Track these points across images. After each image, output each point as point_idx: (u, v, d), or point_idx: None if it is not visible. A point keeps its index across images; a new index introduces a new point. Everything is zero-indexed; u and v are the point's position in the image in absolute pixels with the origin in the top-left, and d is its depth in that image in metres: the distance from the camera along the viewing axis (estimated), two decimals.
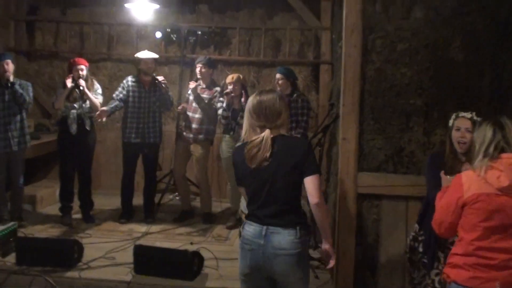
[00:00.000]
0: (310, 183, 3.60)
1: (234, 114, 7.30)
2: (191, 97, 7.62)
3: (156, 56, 7.64)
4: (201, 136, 7.63)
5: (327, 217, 3.77)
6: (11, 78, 6.93)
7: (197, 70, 7.55)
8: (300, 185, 3.68)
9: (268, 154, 3.58)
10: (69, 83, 7.13)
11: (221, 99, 7.44)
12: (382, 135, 5.44)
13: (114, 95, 7.61)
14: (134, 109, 7.49)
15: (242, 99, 7.25)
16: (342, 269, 5.48)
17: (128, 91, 7.49)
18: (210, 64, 7.65)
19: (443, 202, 3.53)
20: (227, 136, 7.45)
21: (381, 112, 5.43)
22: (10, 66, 6.93)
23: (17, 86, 6.92)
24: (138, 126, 7.48)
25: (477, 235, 3.34)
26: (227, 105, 7.24)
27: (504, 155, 3.34)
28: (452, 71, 5.34)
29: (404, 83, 5.39)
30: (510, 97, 5.31)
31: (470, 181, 3.38)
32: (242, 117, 7.07)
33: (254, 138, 3.65)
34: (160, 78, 7.49)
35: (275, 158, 3.59)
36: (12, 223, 6.44)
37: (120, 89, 7.58)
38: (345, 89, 5.30)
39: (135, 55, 7.63)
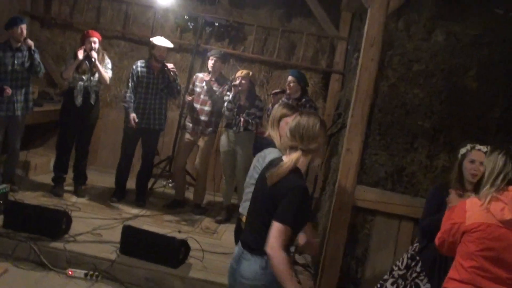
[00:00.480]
0: (272, 229, 3.21)
1: (240, 110, 7.28)
2: (198, 89, 7.60)
3: (170, 45, 7.58)
4: (210, 129, 7.65)
5: (280, 270, 3.17)
6: (33, 46, 6.96)
7: (210, 62, 7.52)
8: None
9: (282, 176, 3.31)
10: (80, 54, 7.11)
11: (227, 93, 7.44)
12: (386, 152, 5.45)
13: (127, 92, 7.50)
14: (141, 94, 7.45)
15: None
16: (326, 278, 5.45)
17: (137, 77, 7.46)
18: (223, 59, 7.66)
19: (447, 224, 3.53)
20: (230, 130, 7.43)
21: (388, 129, 5.44)
22: (24, 31, 6.92)
23: (36, 54, 6.93)
24: (144, 112, 7.44)
25: (473, 263, 3.34)
26: (233, 97, 7.23)
27: (511, 187, 3.34)
28: (464, 98, 5.35)
29: (415, 103, 5.39)
30: None
31: (473, 209, 3.38)
32: (248, 114, 7.14)
33: (285, 158, 3.42)
34: (170, 65, 7.47)
35: (276, 185, 3.31)
36: (3, 185, 6.40)
37: (130, 76, 7.52)
38: (356, 101, 5.28)
39: (151, 39, 7.58)
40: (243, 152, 7.31)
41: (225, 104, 7.35)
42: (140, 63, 7.53)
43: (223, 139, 7.55)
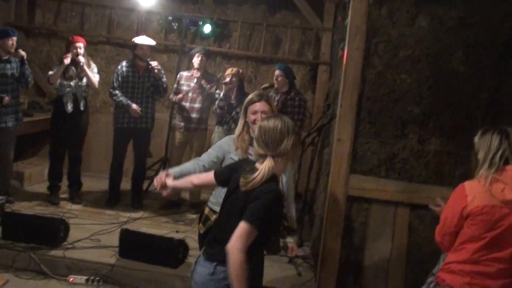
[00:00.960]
0: (237, 229, 3.10)
1: (230, 108, 7.31)
2: (185, 88, 7.61)
3: (152, 42, 7.59)
4: (202, 126, 7.71)
5: (234, 271, 3.07)
6: (25, 56, 7.04)
7: (197, 59, 7.52)
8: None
9: (257, 185, 3.20)
10: (67, 59, 7.11)
11: (217, 91, 7.46)
12: (377, 139, 5.46)
13: (113, 88, 7.49)
14: (128, 94, 7.45)
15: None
16: (326, 269, 5.48)
17: (122, 77, 7.46)
18: (208, 54, 7.69)
19: (447, 214, 3.52)
20: (220, 128, 7.45)
21: (378, 117, 5.45)
22: (15, 43, 6.99)
23: (26, 65, 6.99)
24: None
25: (477, 245, 3.36)
26: (224, 95, 7.26)
27: (508, 167, 3.36)
28: (451, 82, 5.36)
29: (403, 89, 5.41)
30: (507, 113, 5.33)
31: (475, 192, 3.38)
32: (237, 113, 7.16)
33: (259, 166, 3.28)
34: (154, 63, 7.44)
35: (249, 192, 3.22)
36: (0, 197, 6.42)
37: (115, 76, 7.51)
38: (344, 90, 5.30)
39: (133, 40, 7.59)
40: None
41: (216, 102, 7.38)
42: (125, 63, 7.54)
43: (215, 137, 7.55)
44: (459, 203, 3.43)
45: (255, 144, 3.37)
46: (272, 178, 3.25)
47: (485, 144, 3.47)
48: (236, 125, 7.07)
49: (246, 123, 4.23)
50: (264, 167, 3.22)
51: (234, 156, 4.12)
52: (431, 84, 5.36)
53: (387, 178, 5.47)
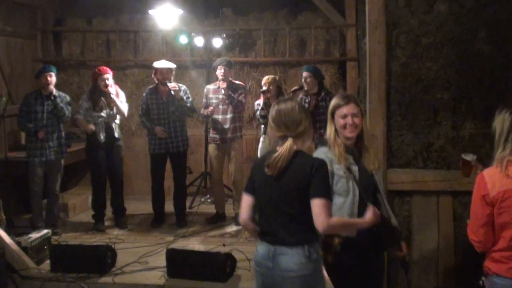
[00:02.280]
0: (314, 207, 3.27)
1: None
2: (214, 101, 7.61)
3: (172, 65, 7.57)
4: (238, 134, 7.72)
5: (343, 226, 3.49)
6: (54, 91, 7.20)
7: (220, 71, 7.53)
8: (308, 202, 3.34)
9: (284, 166, 3.35)
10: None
11: (257, 102, 7.52)
12: (411, 131, 5.43)
13: (139, 115, 7.69)
14: (154, 121, 7.51)
15: None
16: None
17: (146, 105, 7.55)
18: (230, 65, 7.67)
19: (473, 207, 3.42)
20: (267, 137, 7.42)
21: (408, 108, 5.42)
22: (53, 78, 7.21)
23: (58, 99, 7.16)
24: (161, 137, 7.49)
25: (511, 231, 3.29)
26: (264, 103, 7.27)
27: None
28: (478, 63, 5.30)
29: (430, 77, 5.37)
30: None
31: (493, 179, 3.29)
32: None
33: (279, 149, 3.41)
34: (171, 85, 7.37)
35: (288, 173, 3.36)
36: (46, 231, 6.51)
37: (141, 103, 7.67)
38: (370, 86, 5.28)
39: (153, 65, 7.62)
40: None
41: (257, 112, 7.40)
42: (148, 91, 7.61)
43: (262, 146, 7.59)
44: (481, 192, 3.33)
45: (273, 126, 3.48)
46: (301, 152, 3.42)
47: (499, 125, 3.33)
48: None
49: (335, 128, 4.05)
50: (286, 145, 3.37)
51: (337, 165, 3.96)
52: (458, 68, 5.31)
53: (425, 169, 5.42)
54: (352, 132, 3.95)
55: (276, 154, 3.36)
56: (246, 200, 3.56)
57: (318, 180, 3.30)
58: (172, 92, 7.36)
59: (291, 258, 3.35)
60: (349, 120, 3.93)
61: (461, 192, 5.30)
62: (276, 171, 3.34)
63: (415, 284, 5.56)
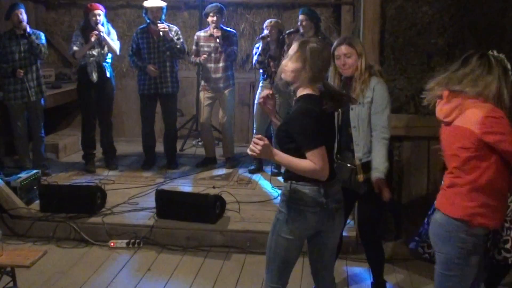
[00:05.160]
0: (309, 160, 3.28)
1: (272, 60, 7.19)
2: (206, 49, 7.49)
3: (162, 3, 7.38)
4: (231, 82, 7.65)
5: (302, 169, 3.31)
6: (28, 29, 6.95)
7: (212, 19, 7.38)
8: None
9: None
10: (93, 38, 7.09)
11: (256, 45, 7.40)
12: (403, 76, 5.36)
13: (129, 55, 7.62)
14: (146, 60, 7.42)
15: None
16: None
17: (137, 45, 7.46)
18: (222, 12, 7.53)
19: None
20: (265, 82, 7.37)
21: (402, 52, 5.34)
22: (24, 15, 6.95)
23: (33, 37, 6.95)
24: (150, 77, 7.40)
25: None
26: (263, 49, 7.15)
27: None
28: (473, 8, 5.20)
29: (425, 22, 5.27)
30: None
31: None
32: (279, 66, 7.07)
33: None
34: (161, 26, 7.23)
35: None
36: (35, 171, 6.51)
37: (131, 43, 7.60)
38: (364, 29, 5.20)
39: (143, 4, 7.43)
40: (284, 100, 7.19)
41: (255, 57, 7.29)
42: (139, 31, 7.52)
43: (259, 90, 7.49)
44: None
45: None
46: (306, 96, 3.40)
47: None
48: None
49: (335, 65, 4.30)
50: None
51: None
52: (453, 13, 5.20)
53: (417, 114, 5.37)
54: (344, 71, 4.25)
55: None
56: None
57: (298, 133, 3.36)
58: (161, 33, 7.24)
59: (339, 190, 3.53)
60: (341, 60, 4.22)
61: None
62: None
63: (405, 227, 5.59)
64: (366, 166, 4.31)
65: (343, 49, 4.22)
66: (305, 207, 3.38)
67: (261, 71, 7.44)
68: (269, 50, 7.14)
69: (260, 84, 7.49)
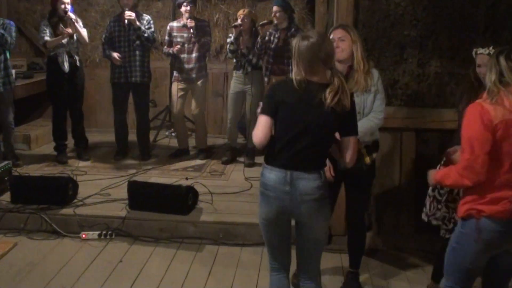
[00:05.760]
0: (351, 144, 3.55)
1: (243, 50, 7.19)
2: (179, 39, 7.46)
3: None
4: (204, 73, 7.62)
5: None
6: None
7: (186, 9, 7.33)
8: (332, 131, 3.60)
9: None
10: (67, 31, 7.03)
11: (230, 35, 7.38)
12: (377, 67, 5.34)
13: (102, 43, 7.59)
14: (115, 49, 7.35)
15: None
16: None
17: (110, 32, 7.40)
18: (195, 2, 7.50)
19: (472, 136, 3.26)
20: (238, 72, 7.36)
21: (375, 44, 5.36)
22: None
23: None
24: (121, 66, 7.34)
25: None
26: (235, 38, 7.14)
27: None
28: (446, 1, 5.23)
29: (398, 13, 5.29)
30: (506, 27, 5.20)
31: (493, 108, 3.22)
32: (254, 55, 7.05)
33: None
34: (127, 13, 7.14)
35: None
36: (5, 162, 6.42)
37: (105, 31, 7.57)
38: (337, 19, 5.20)
39: None
40: (256, 91, 7.19)
41: (228, 46, 7.28)
42: (113, 19, 7.48)
43: (232, 81, 7.52)
44: (483, 118, 3.21)
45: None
46: None
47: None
48: (253, 68, 7.06)
49: None
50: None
51: None
52: (426, 5, 5.23)
53: (390, 105, 5.39)
54: (338, 54, 4.23)
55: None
56: (266, 122, 3.48)
57: (353, 119, 3.56)
58: (126, 21, 7.16)
59: (309, 183, 3.48)
60: (336, 43, 4.24)
61: (424, 129, 5.34)
62: (340, 107, 3.39)
63: (376, 217, 5.62)
64: (370, 148, 4.43)
65: (337, 32, 4.34)
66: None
67: (234, 60, 7.41)
68: (242, 39, 7.12)
69: (234, 75, 7.48)
